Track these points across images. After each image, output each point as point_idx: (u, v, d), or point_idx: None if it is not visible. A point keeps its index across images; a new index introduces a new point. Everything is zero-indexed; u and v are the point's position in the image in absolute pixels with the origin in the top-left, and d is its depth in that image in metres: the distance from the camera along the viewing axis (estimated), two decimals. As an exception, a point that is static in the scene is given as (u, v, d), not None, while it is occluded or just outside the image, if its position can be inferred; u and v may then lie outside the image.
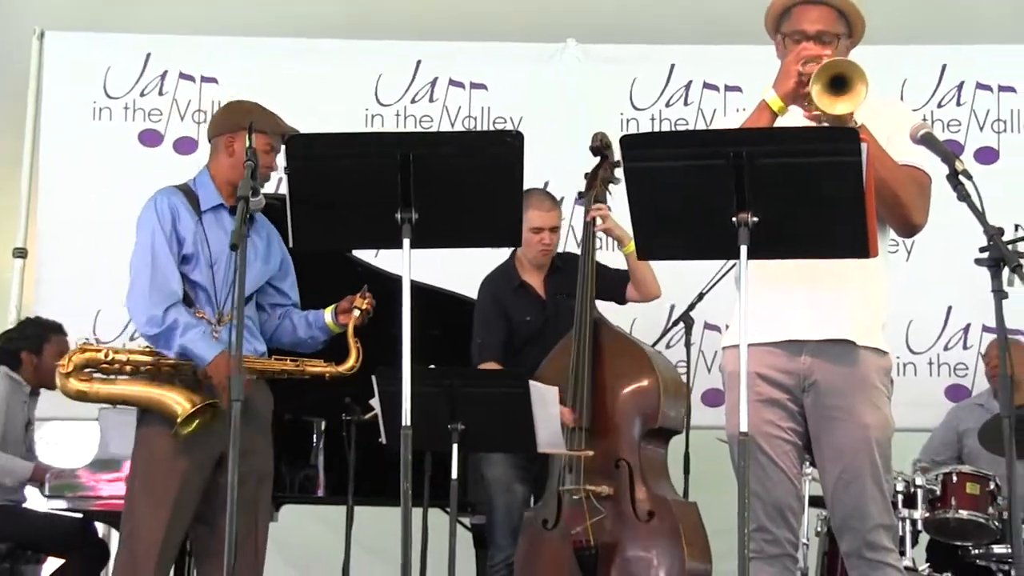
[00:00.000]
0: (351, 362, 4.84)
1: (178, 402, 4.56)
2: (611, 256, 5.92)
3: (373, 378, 4.71)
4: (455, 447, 4.69)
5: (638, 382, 5.42)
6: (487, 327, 5.87)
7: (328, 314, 4.88)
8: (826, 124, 3.74)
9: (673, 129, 7.46)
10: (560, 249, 6.09)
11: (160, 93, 7.61)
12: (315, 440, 5.78)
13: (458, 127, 7.55)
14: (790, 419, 3.90)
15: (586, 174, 5.75)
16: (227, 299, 4.66)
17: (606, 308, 5.86)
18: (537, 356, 5.65)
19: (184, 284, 4.68)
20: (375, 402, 4.77)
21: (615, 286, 5.85)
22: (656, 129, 7.47)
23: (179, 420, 4.52)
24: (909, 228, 3.95)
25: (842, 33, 3.94)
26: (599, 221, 5.62)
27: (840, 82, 3.66)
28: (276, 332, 4.94)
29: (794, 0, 3.98)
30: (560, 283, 5.89)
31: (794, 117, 3.83)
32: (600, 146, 5.71)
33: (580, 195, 5.85)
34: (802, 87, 3.74)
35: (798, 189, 3.45)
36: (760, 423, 3.82)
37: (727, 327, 4.12)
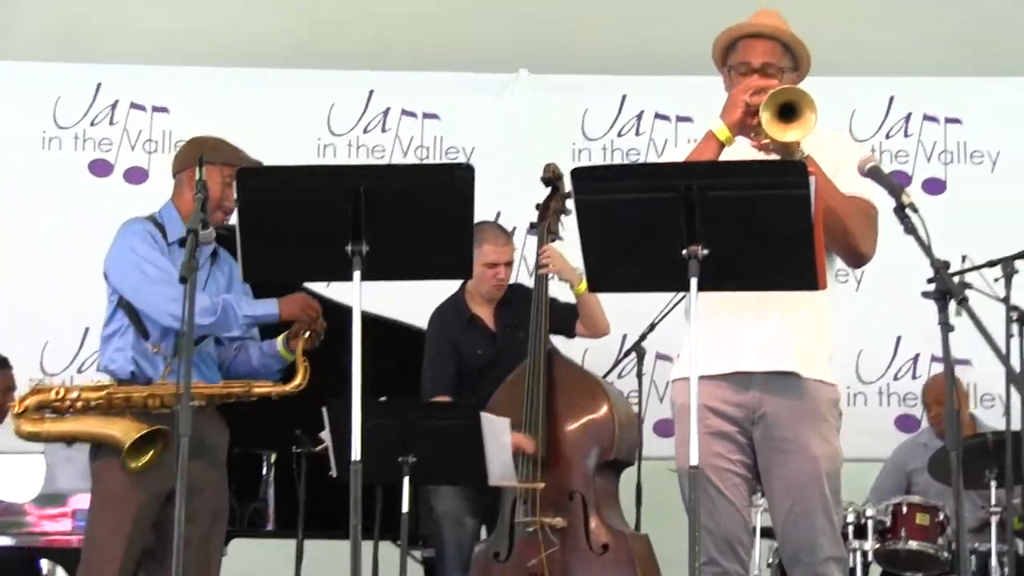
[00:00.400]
0: (297, 380, 4.80)
1: (125, 433, 4.53)
2: (563, 288, 5.91)
3: (324, 410, 4.68)
4: (406, 480, 4.68)
5: (593, 414, 5.43)
6: (437, 361, 5.85)
7: (279, 341, 4.87)
8: (773, 154, 3.77)
9: (625, 159, 7.49)
10: (511, 279, 6.10)
11: (111, 123, 7.57)
12: (265, 473, 5.75)
13: (411, 157, 7.55)
14: (739, 452, 3.91)
15: (537, 205, 5.76)
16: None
17: (557, 339, 5.87)
18: (489, 388, 5.63)
19: (142, 315, 4.67)
20: (326, 434, 4.74)
21: (565, 320, 5.85)
22: (608, 159, 7.50)
23: (124, 450, 4.49)
24: (858, 259, 3.99)
25: (787, 67, 3.97)
26: (550, 263, 5.65)
27: (789, 110, 3.69)
28: (232, 365, 4.92)
29: (740, 33, 4.01)
30: (510, 315, 5.89)
31: (741, 148, 3.86)
32: (552, 177, 5.72)
33: (532, 226, 5.85)
34: (749, 117, 3.77)
35: (747, 222, 3.47)
36: (710, 456, 3.82)
37: (677, 358, 4.13)
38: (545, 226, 5.73)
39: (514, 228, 6.48)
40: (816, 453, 3.84)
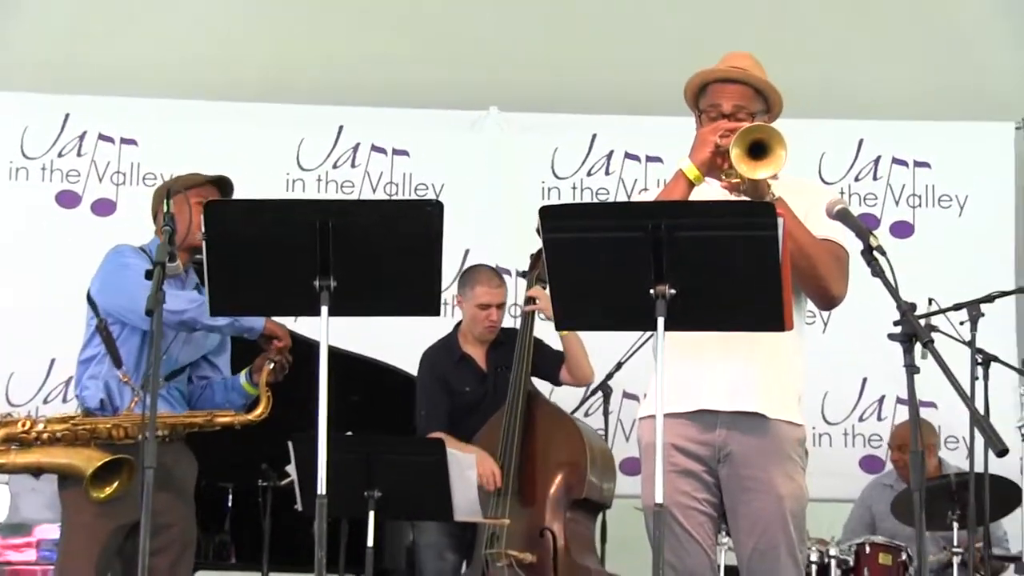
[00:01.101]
0: (259, 409, 4.77)
1: (88, 462, 4.52)
2: (552, 335, 5.94)
3: (290, 444, 4.67)
4: (371, 514, 4.67)
5: (566, 452, 5.53)
6: (429, 398, 5.90)
7: (243, 375, 4.86)
8: (743, 194, 3.79)
9: (595, 198, 7.50)
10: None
11: (78, 154, 7.53)
12: (230, 506, 5.72)
13: (380, 193, 7.55)
14: (705, 490, 3.91)
15: (531, 254, 5.82)
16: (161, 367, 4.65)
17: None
18: (476, 427, 5.72)
19: (118, 347, 4.66)
20: (291, 468, 4.74)
21: (551, 365, 5.93)
22: (577, 198, 7.50)
23: (86, 479, 4.48)
24: (828, 301, 4.01)
25: (759, 110, 3.99)
26: (537, 301, 5.73)
27: (759, 148, 3.71)
28: (198, 401, 4.90)
29: (711, 77, 4.03)
30: (502, 356, 5.93)
31: (712, 188, 3.88)
32: None
33: (523, 273, 5.94)
34: (719, 157, 3.79)
35: (715, 262, 3.49)
36: (675, 494, 3.82)
37: (644, 397, 4.14)
38: (535, 274, 5.84)
39: (495, 267, 6.49)
40: (781, 492, 3.85)
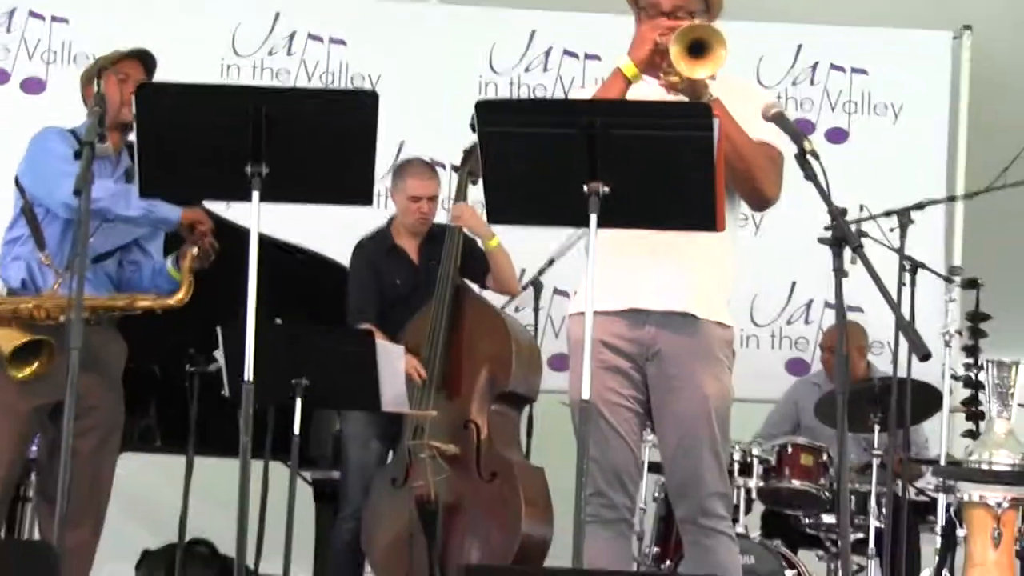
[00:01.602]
0: (180, 294, 4.74)
1: (7, 341, 4.50)
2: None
3: (218, 330, 4.66)
4: (298, 402, 4.69)
5: (492, 346, 5.55)
6: (360, 289, 5.89)
7: (169, 261, 4.83)
8: (681, 94, 3.78)
9: (532, 95, 7.47)
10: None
11: (7, 31, 7.40)
12: (157, 390, 5.71)
13: (316, 82, 7.47)
14: (632, 387, 3.95)
15: (464, 149, 5.80)
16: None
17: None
18: (405, 319, 5.72)
19: (39, 204, 4.64)
20: (219, 354, 4.74)
21: (480, 268, 5.92)
22: (515, 94, 7.47)
23: (5, 357, 4.46)
24: (762, 202, 4.02)
25: (698, 10, 3.97)
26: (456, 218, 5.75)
27: (699, 47, 3.70)
28: (126, 285, 4.89)
29: None
30: (435, 251, 5.90)
31: (650, 88, 3.87)
32: None
33: (455, 167, 5.90)
34: (658, 56, 3.78)
35: (650, 161, 3.50)
36: (602, 390, 3.85)
37: (575, 293, 4.15)
38: (467, 169, 5.81)
39: (429, 160, 6.46)
40: (707, 391, 3.89)
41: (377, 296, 5.87)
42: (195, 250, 4.73)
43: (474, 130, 5.58)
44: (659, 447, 4.08)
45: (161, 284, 4.85)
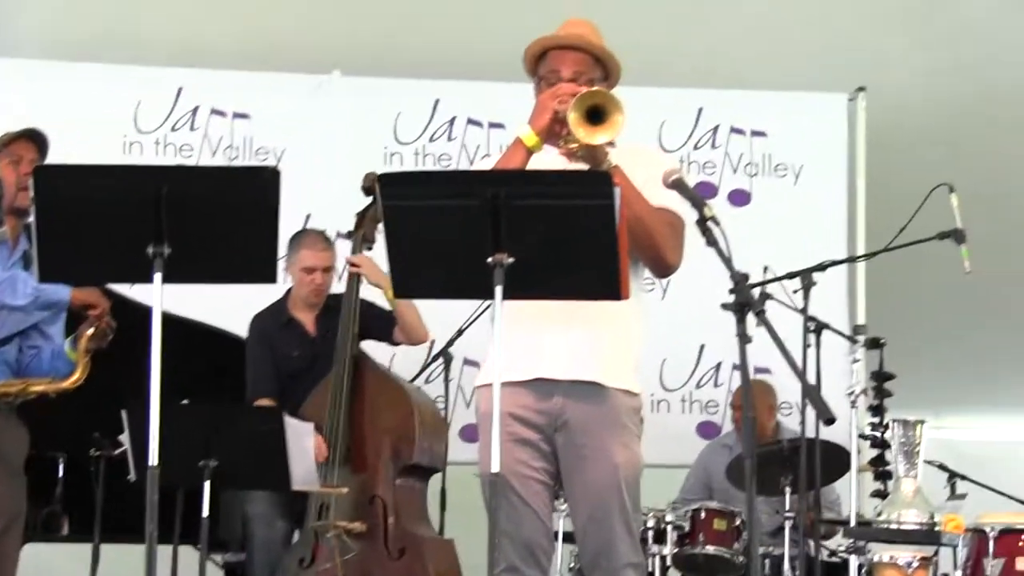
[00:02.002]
0: (75, 376, 4.70)
1: None
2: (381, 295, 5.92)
3: (123, 412, 4.60)
4: (207, 484, 4.62)
5: (395, 418, 5.48)
6: (257, 364, 5.84)
7: (67, 343, 4.77)
8: (581, 161, 3.81)
9: (437, 164, 7.50)
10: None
11: None
12: (61, 476, 5.62)
13: (220, 157, 7.44)
14: (542, 459, 3.93)
15: (357, 214, 5.76)
16: None
17: (368, 343, 5.87)
18: (304, 393, 5.65)
19: None
20: (124, 437, 4.66)
21: (384, 326, 5.87)
22: (420, 164, 7.50)
23: None
24: (663, 268, 4.04)
25: (597, 77, 4.01)
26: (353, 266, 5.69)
27: (597, 114, 3.74)
28: (26, 370, 4.81)
29: (551, 44, 4.05)
30: (332, 322, 5.87)
31: (550, 156, 3.89)
32: (372, 186, 5.72)
33: (348, 233, 5.85)
34: (557, 124, 3.81)
35: (552, 231, 3.50)
36: (512, 463, 3.83)
37: (483, 364, 4.14)
38: (360, 234, 5.76)
39: (323, 230, 6.44)
40: (616, 460, 3.89)
41: (274, 370, 5.81)
42: (91, 331, 4.67)
43: (367, 193, 5.66)
44: (571, 517, 4.06)
45: (60, 367, 4.78)
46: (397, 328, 5.87)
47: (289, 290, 6.02)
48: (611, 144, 3.81)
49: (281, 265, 5.93)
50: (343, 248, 6.09)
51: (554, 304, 3.79)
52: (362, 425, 5.48)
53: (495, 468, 3.44)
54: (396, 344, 5.99)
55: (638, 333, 4.04)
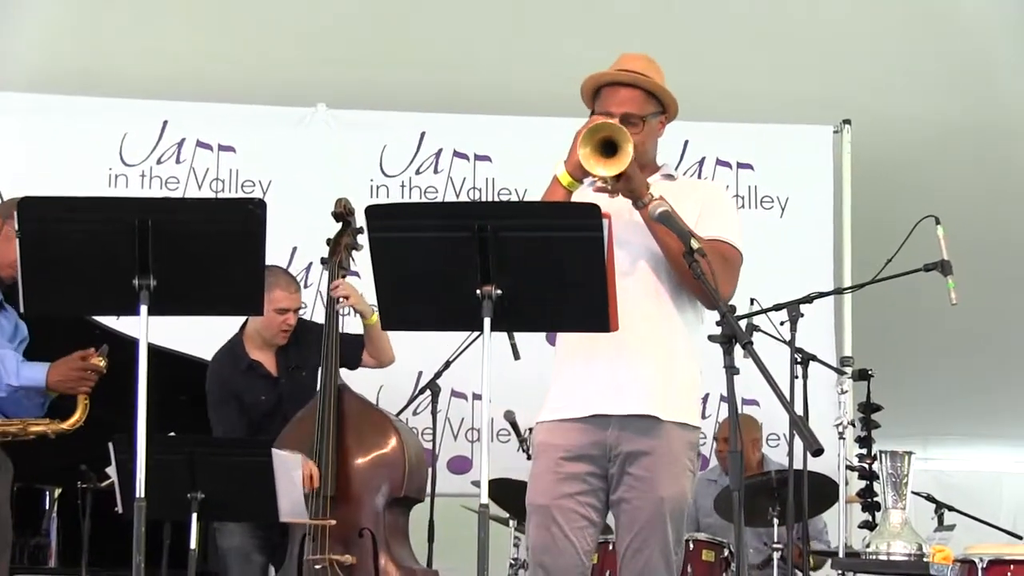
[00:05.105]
0: (74, 417, 4.70)
1: None
2: (349, 320, 5.89)
3: (110, 445, 4.58)
4: (194, 517, 4.60)
5: (383, 451, 5.44)
6: (219, 411, 5.77)
7: None
8: (616, 195, 3.82)
9: (423, 196, 7.49)
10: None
11: None
12: (48, 508, 5.59)
13: (205, 190, 7.44)
14: (592, 495, 3.95)
15: (328, 240, 5.74)
16: None
17: (354, 374, 5.85)
18: (276, 429, 5.60)
19: None
20: (112, 470, 4.65)
21: (351, 352, 5.83)
22: (406, 196, 7.48)
23: None
24: (712, 300, 3.97)
25: (650, 113, 4.00)
26: (343, 298, 5.64)
27: (610, 146, 3.75)
28: (1, 406, 4.78)
29: (602, 80, 4.04)
30: (292, 357, 5.85)
31: (588, 191, 3.90)
32: (343, 212, 5.72)
33: (323, 260, 5.82)
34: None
35: (540, 262, 3.51)
36: (560, 496, 3.89)
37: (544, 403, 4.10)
38: (336, 261, 5.72)
39: (310, 263, 6.46)
40: (662, 494, 3.92)
41: (245, 418, 5.75)
42: (86, 400, 4.68)
43: (337, 219, 5.63)
44: (615, 543, 4.07)
45: (37, 400, 4.76)
46: (365, 352, 5.84)
47: (243, 324, 5.94)
48: (618, 176, 3.79)
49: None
50: (315, 274, 6.02)
51: (606, 337, 3.71)
52: (348, 457, 5.44)
53: (483, 500, 3.43)
54: (356, 368, 5.93)
55: (694, 365, 4.03)
